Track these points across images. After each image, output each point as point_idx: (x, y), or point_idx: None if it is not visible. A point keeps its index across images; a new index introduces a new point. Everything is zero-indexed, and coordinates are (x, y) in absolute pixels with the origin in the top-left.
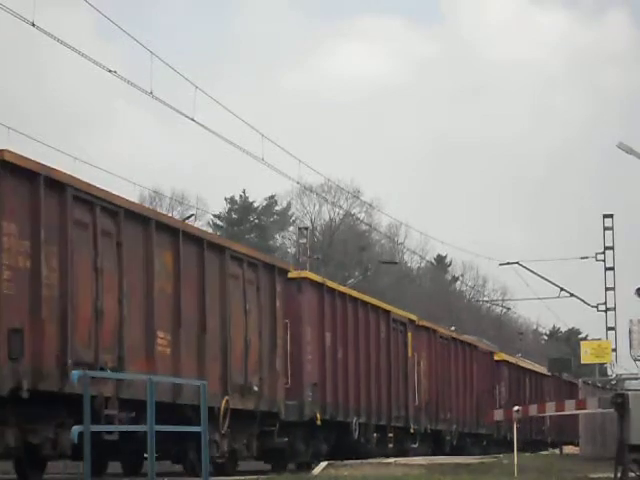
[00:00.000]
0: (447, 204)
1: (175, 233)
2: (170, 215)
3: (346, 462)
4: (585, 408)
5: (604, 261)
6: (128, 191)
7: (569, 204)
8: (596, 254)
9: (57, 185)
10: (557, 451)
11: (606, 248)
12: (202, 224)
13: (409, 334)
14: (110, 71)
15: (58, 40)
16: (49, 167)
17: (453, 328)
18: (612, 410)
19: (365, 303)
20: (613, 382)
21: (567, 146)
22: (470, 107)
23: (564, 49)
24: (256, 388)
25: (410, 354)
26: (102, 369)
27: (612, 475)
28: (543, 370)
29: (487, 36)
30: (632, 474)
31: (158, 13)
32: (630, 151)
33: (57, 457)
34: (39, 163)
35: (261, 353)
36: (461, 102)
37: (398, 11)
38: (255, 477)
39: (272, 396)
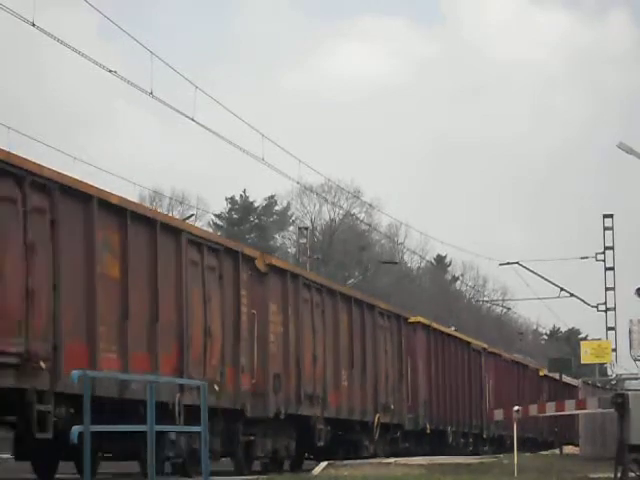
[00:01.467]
0: (447, 204)
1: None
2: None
3: (346, 462)
4: (585, 408)
5: (604, 261)
6: (128, 191)
7: (569, 204)
8: (596, 254)
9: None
10: (557, 451)
11: (606, 248)
12: (202, 224)
13: (482, 359)
14: (110, 71)
15: (58, 40)
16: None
17: (453, 328)
18: (612, 410)
19: (454, 337)
20: (613, 382)
21: (567, 146)
22: (470, 107)
23: (564, 49)
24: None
25: (483, 375)
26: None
27: (612, 475)
28: (575, 382)
29: (487, 36)
30: (632, 474)
31: (158, 13)
32: (630, 151)
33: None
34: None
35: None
36: (461, 102)
37: (398, 11)
38: (255, 477)
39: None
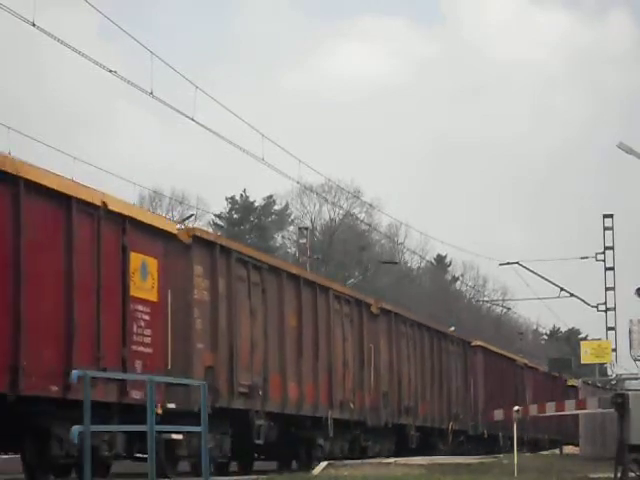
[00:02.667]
0: (447, 204)
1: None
2: (169, 217)
3: (346, 462)
4: (585, 408)
5: (604, 261)
6: (128, 191)
7: (569, 204)
8: (596, 254)
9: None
10: (557, 451)
11: (606, 248)
12: (203, 224)
13: (524, 373)
14: (110, 71)
15: (58, 40)
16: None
17: (453, 328)
18: (612, 410)
19: (504, 356)
20: (613, 382)
21: (567, 146)
22: (470, 107)
23: (564, 49)
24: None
25: (525, 386)
26: None
27: (612, 475)
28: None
29: (487, 36)
30: (632, 474)
31: (158, 13)
32: (630, 151)
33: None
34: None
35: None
36: (461, 102)
37: (398, 11)
38: (255, 477)
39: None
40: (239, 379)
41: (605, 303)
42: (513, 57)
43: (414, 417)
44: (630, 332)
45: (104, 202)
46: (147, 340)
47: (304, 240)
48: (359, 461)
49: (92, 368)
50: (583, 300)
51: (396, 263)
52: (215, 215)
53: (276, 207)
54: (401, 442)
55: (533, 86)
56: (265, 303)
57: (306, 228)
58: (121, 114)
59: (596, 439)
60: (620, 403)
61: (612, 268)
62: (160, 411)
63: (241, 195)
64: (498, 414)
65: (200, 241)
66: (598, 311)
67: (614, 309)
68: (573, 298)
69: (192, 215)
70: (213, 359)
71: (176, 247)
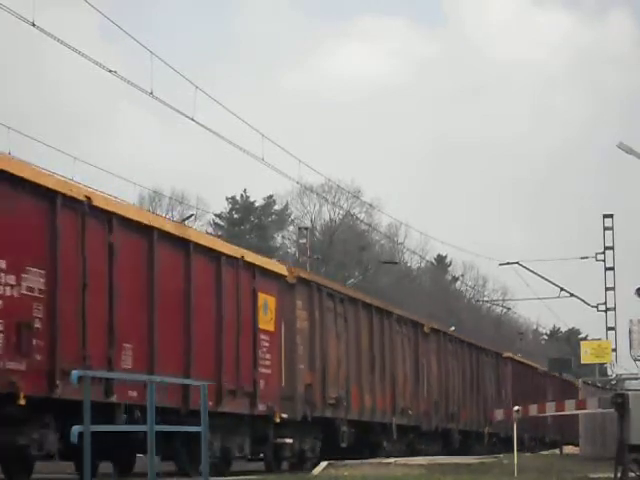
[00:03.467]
0: (447, 204)
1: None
2: (170, 217)
3: (346, 462)
4: (585, 408)
5: (604, 261)
6: (128, 191)
7: (569, 204)
8: (596, 254)
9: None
10: (557, 451)
11: (606, 248)
12: (203, 224)
13: (545, 380)
14: (110, 71)
15: (58, 40)
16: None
17: (453, 328)
18: (612, 410)
19: (528, 365)
20: (613, 382)
21: (567, 146)
22: (470, 107)
23: (565, 49)
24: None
25: (546, 392)
26: None
27: (612, 475)
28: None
29: (488, 36)
30: (632, 474)
31: (158, 13)
32: (630, 151)
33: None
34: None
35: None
36: (461, 102)
37: (398, 11)
38: (255, 477)
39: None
40: (329, 393)
41: (605, 303)
42: (513, 57)
43: (457, 422)
44: (630, 332)
45: (242, 255)
46: (267, 363)
47: (304, 240)
48: (359, 461)
49: (234, 388)
50: (583, 300)
51: (396, 263)
52: (215, 215)
53: (276, 207)
54: (446, 444)
55: (533, 86)
56: (347, 329)
57: (306, 228)
58: (122, 114)
59: (596, 439)
60: (620, 403)
61: (612, 268)
62: (278, 420)
63: (241, 195)
64: (498, 414)
65: (302, 280)
66: (598, 311)
67: (614, 309)
68: (573, 298)
69: (192, 215)
70: (311, 377)
71: (285, 286)
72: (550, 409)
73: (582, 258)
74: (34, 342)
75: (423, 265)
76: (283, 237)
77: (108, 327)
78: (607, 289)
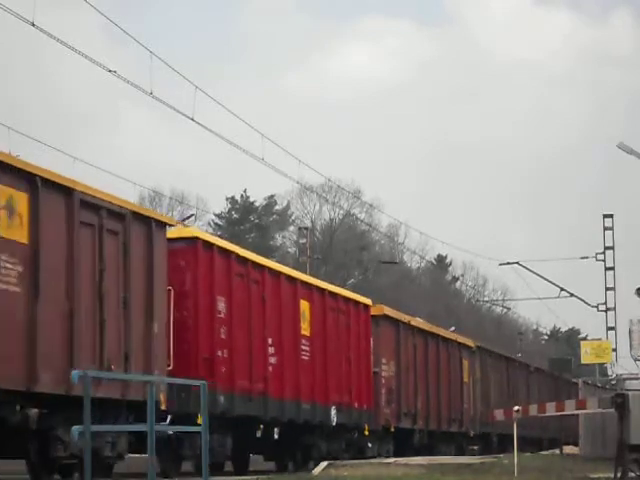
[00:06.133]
0: (447, 204)
1: None
2: (170, 215)
3: (346, 462)
4: (585, 408)
5: (604, 261)
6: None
7: (569, 204)
8: (596, 254)
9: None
10: (557, 451)
11: (606, 248)
12: (202, 224)
13: (570, 387)
14: (110, 71)
15: (58, 40)
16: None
17: (453, 328)
18: (612, 410)
19: (551, 374)
20: (613, 382)
21: (568, 146)
22: (471, 107)
23: (567, 50)
24: None
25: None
26: None
27: (612, 475)
28: None
29: (489, 36)
30: (632, 474)
31: (158, 13)
32: (630, 151)
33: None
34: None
35: None
36: (462, 102)
37: (399, 12)
38: (255, 477)
39: None
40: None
41: (605, 303)
42: (514, 57)
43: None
44: (630, 332)
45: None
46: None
47: (304, 240)
48: (359, 461)
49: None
50: (583, 300)
51: (396, 263)
52: (215, 215)
53: (276, 207)
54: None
55: (534, 86)
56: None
57: (306, 228)
58: (122, 115)
59: (596, 439)
60: (620, 403)
61: (612, 268)
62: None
63: (241, 195)
64: (498, 414)
65: (480, 349)
66: (598, 311)
67: (614, 309)
68: (573, 298)
69: (192, 215)
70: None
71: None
72: (550, 409)
73: (582, 258)
74: None
75: (423, 265)
76: (283, 237)
77: None
78: (607, 289)
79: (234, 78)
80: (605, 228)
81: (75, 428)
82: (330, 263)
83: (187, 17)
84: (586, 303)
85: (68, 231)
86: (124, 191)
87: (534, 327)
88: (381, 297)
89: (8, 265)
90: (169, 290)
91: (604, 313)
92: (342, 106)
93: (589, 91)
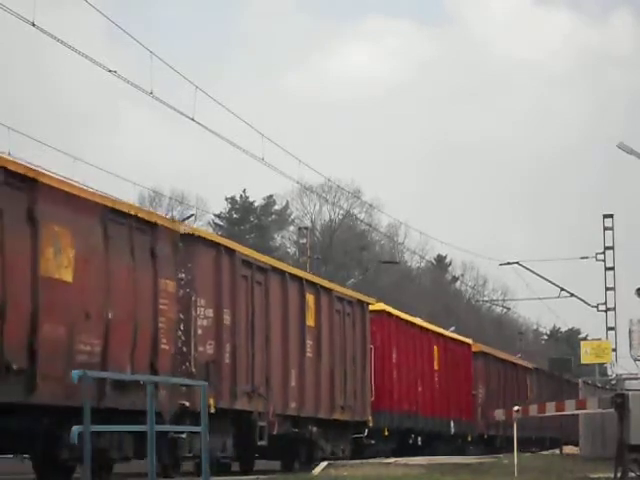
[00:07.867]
0: (447, 204)
1: None
2: (170, 215)
3: (346, 462)
4: (585, 408)
5: (604, 261)
6: (128, 191)
7: (569, 204)
8: (596, 254)
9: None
10: (557, 451)
11: (606, 248)
12: (202, 224)
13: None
14: (110, 71)
15: (59, 40)
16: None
17: (453, 328)
18: (612, 410)
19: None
20: (613, 382)
21: (568, 146)
22: (471, 107)
23: (567, 50)
24: None
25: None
26: None
27: (612, 475)
28: None
29: (489, 36)
30: (632, 474)
31: (158, 13)
32: (630, 151)
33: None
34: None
35: None
36: (462, 102)
37: (400, 12)
38: (255, 477)
39: None
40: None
41: (605, 303)
42: (515, 57)
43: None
44: (630, 332)
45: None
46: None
47: (304, 240)
48: (359, 461)
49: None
50: (583, 300)
51: (396, 263)
52: (215, 215)
53: (276, 207)
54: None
55: (534, 86)
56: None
57: (306, 228)
58: (122, 115)
59: (596, 439)
60: (620, 403)
61: (612, 268)
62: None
63: (241, 195)
64: (499, 414)
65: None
66: (598, 311)
67: (614, 309)
68: (573, 298)
69: (192, 215)
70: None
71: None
72: (550, 409)
73: (582, 258)
74: None
75: (423, 265)
76: (283, 237)
77: None
78: (607, 289)
79: (234, 78)
80: (605, 228)
81: (75, 428)
82: (330, 263)
83: (187, 17)
84: (586, 303)
85: (333, 317)
86: (124, 191)
87: (534, 327)
88: (381, 297)
89: None
90: (370, 348)
91: (604, 313)
92: (342, 106)
93: (589, 91)
